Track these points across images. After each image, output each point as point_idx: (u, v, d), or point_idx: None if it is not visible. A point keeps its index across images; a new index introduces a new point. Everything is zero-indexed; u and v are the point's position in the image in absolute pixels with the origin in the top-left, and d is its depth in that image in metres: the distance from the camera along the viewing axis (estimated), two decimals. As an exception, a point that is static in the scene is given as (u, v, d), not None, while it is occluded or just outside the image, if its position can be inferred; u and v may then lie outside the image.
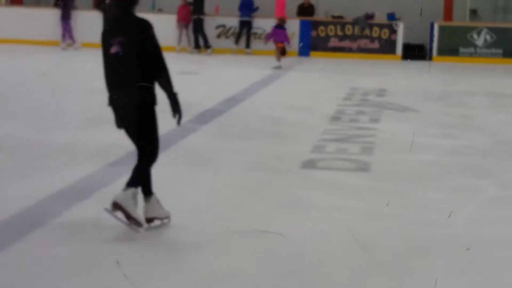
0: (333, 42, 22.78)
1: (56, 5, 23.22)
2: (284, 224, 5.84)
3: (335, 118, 11.05)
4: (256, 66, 19.02)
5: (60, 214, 5.89)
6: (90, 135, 9.18)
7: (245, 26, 22.62)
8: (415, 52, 22.62)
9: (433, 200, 6.67)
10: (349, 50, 22.69)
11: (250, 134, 9.76)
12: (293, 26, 22.77)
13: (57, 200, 6.27)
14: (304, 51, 22.75)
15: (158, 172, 7.41)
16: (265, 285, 4.71)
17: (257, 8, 22.44)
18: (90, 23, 22.98)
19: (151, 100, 5.47)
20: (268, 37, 19.69)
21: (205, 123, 10.23)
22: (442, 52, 22.24)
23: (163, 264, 4.95)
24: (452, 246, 5.43)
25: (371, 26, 22.53)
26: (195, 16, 21.73)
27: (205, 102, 12.02)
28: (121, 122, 5.62)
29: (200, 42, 22.30)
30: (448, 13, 23.15)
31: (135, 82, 5.36)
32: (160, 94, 5.58)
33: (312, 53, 22.70)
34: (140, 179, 5.63)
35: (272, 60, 18.64)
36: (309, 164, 8.01)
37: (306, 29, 22.80)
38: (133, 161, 7.66)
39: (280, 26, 19.33)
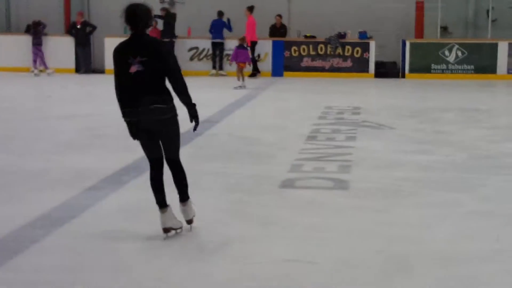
0: (306, 62, 22.87)
1: (27, 31, 23.16)
2: (266, 244, 5.82)
3: (311, 137, 11.04)
4: (229, 87, 19.01)
5: (39, 241, 5.82)
6: (65, 161, 9.12)
7: (218, 48, 22.66)
8: (387, 69, 22.83)
9: (412, 216, 6.69)
10: (322, 69, 22.78)
11: (227, 155, 9.71)
12: (266, 46, 22.88)
13: (35, 227, 6.19)
14: (277, 71, 22.82)
15: (135, 196, 7.41)
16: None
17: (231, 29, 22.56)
18: (61, 48, 22.97)
19: (176, 112, 5.99)
20: (231, 58, 19.82)
21: (182, 146, 10.15)
22: (414, 69, 22.40)
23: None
24: (433, 262, 5.42)
25: (343, 45, 22.66)
26: (166, 39, 21.68)
27: (181, 124, 11.94)
28: (161, 134, 6.00)
29: None
30: (419, 31, 23.32)
31: (163, 97, 5.86)
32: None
33: (286, 73, 22.78)
34: (187, 184, 6.20)
35: (246, 81, 18.70)
36: (288, 184, 7.99)
37: (278, 49, 22.89)
38: (108, 186, 7.67)
39: (242, 46, 19.50)
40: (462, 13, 24.25)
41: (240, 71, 19.17)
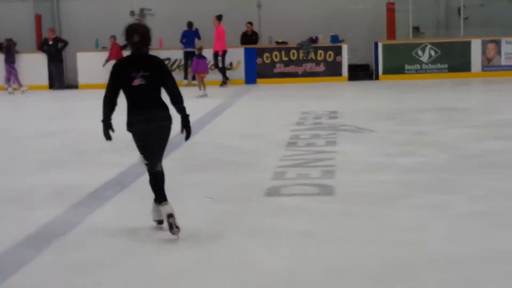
0: (279, 68, 22.93)
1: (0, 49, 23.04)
2: (255, 253, 5.81)
3: (291, 144, 11.03)
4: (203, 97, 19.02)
5: (31, 260, 5.75)
6: (48, 178, 9.05)
7: (190, 58, 22.63)
8: (361, 72, 22.95)
9: (401, 219, 6.67)
10: (295, 75, 22.84)
11: (209, 165, 9.70)
12: (238, 54, 22.91)
13: (25, 247, 6.13)
14: (250, 79, 22.84)
15: (121, 210, 7.36)
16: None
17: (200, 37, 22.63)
18: (34, 65, 22.85)
19: (172, 121, 6.52)
20: (192, 69, 19.84)
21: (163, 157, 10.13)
22: (388, 70, 22.54)
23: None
24: (430, 265, 5.41)
25: (315, 50, 22.73)
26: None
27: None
28: (151, 140, 6.47)
29: None
30: (391, 32, 23.43)
31: (161, 107, 6.45)
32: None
33: (259, 80, 22.82)
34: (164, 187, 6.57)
35: (217, 90, 18.69)
36: (272, 192, 7.96)
37: (251, 56, 22.94)
38: (93, 202, 7.62)
39: (200, 56, 19.55)
40: (434, 12, 24.43)
41: (201, 80, 19.25)
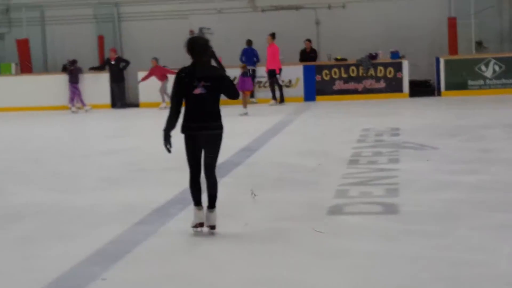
0: (338, 85, 22.85)
1: (63, 70, 23.46)
2: (319, 273, 5.72)
3: (353, 161, 10.93)
4: (263, 114, 19.06)
5: (98, 277, 5.80)
6: (111, 196, 9.15)
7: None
8: (422, 88, 22.70)
9: (468, 239, 6.53)
10: (355, 91, 22.71)
11: (270, 183, 9.65)
12: (297, 71, 22.90)
13: (92, 264, 6.18)
14: (309, 96, 22.80)
15: (184, 228, 7.38)
16: None
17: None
18: (97, 85, 23.22)
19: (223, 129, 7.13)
20: (239, 87, 19.80)
21: (223, 176, 10.12)
22: (450, 86, 22.23)
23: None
24: (497, 287, 5.27)
25: (375, 66, 22.58)
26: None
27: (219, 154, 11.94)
28: (206, 146, 6.98)
29: None
30: (453, 47, 23.14)
31: (217, 115, 7.01)
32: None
33: (318, 97, 22.76)
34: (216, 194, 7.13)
35: (276, 108, 18.67)
36: (335, 210, 7.88)
37: (310, 73, 22.91)
38: (156, 220, 7.66)
39: (245, 74, 19.59)
40: (497, 26, 24.06)
41: (245, 98, 19.30)
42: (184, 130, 6.96)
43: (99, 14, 25.50)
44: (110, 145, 14.34)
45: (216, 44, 23.52)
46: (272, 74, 21.81)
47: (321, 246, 6.51)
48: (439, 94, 22.45)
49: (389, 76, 22.61)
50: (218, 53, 22.66)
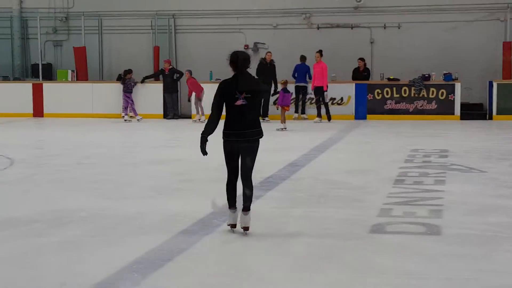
0: (390, 105, 22.83)
1: (118, 79, 23.83)
2: (359, 291, 5.77)
3: (399, 181, 10.93)
4: (313, 130, 19.12)
5: (138, 284, 5.91)
6: (157, 205, 9.28)
7: (301, 92, 22.82)
8: (474, 111, 22.54)
9: (509, 263, 6.50)
10: (406, 112, 22.65)
11: (315, 199, 9.71)
12: (349, 89, 22.93)
13: (133, 271, 6.29)
14: (360, 114, 22.80)
15: (226, 239, 7.48)
16: None
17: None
18: (150, 95, 23.53)
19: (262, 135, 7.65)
20: (279, 102, 19.86)
21: (269, 190, 10.25)
22: (502, 110, 22.07)
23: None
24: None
25: (428, 87, 22.51)
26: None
27: (266, 168, 12.06)
28: (245, 153, 7.46)
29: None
30: (506, 71, 22.95)
31: (257, 123, 7.53)
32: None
33: (369, 116, 22.75)
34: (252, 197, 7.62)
35: (326, 125, 18.68)
36: (378, 229, 7.89)
37: (361, 92, 22.92)
38: (200, 230, 7.77)
39: (286, 90, 19.65)
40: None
41: (284, 113, 19.36)
42: (225, 137, 7.44)
43: (155, 25, 25.85)
44: (159, 154, 14.54)
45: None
46: (319, 92, 21.79)
47: (361, 264, 6.53)
48: (490, 117, 22.28)
49: (441, 98, 22.52)
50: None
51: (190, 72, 22.76)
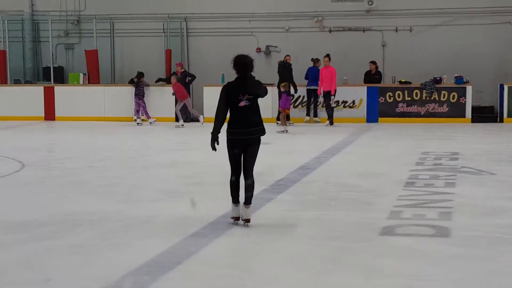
0: (401, 108, 22.81)
1: (130, 82, 23.89)
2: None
3: (409, 184, 10.94)
4: (324, 133, 19.12)
5: (148, 287, 5.94)
6: (167, 208, 9.32)
7: (313, 95, 22.81)
8: (485, 114, 22.50)
9: (518, 265, 6.52)
10: (418, 115, 22.64)
11: (325, 202, 9.73)
12: (360, 92, 22.93)
13: (143, 273, 6.32)
14: (372, 117, 22.79)
15: (237, 241, 7.52)
16: None
17: None
18: (162, 98, 23.58)
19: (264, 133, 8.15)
20: (282, 104, 19.91)
21: (280, 193, 10.28)
22: (513, 113, 22.02)
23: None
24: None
25: (439, 90, 22.49)
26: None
27: (278, 171, 12.12)
28: (248, 149, 7.97)
29: None
30: (518, 74, 22.95)
31: (260, 122, 8.00)
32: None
33: (380, 119, 22.74)
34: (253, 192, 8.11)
35: (343, 128, 18.69)
36: (388, 231, 7.92)
37: (373, 95, 22.91)
38: (211, 232, 7.80)
39: (288, 92, 19.72)
40: None
41: (284, 116, 19.39)
42: (229, 135, 7.93)
43: (168, 28, 25.91)
44: (171, 157, 14.59)
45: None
46: (328, 96, 21.69)
47: (371, 266, 6.56)
48: (501, 120, 22.25)
49: (452, 101, 22.49)
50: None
51: (176, 76, 22.60)
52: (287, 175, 11.81)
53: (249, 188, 8.06)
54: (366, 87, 23.11)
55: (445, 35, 24.11)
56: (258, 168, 11.88)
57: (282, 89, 20.16)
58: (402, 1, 24.55)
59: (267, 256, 6.93)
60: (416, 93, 22.73)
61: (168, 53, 25.47)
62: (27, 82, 26.29)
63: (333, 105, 21.82)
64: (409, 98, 22.78)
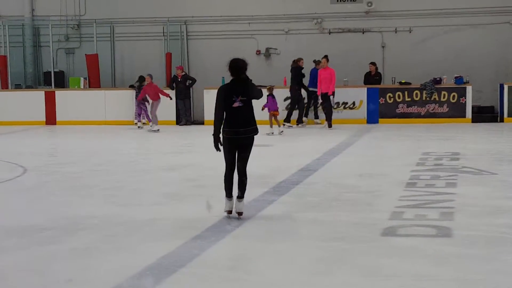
0: (402, 108, 22.84)
1: (131, 86, 23.92)
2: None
3: (410, 184, 10.96)
4: (325, 135, 19.15)
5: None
6: (170, 211, 9.33)
7: (313, 97, 22.82)
8: (485, 114, 22.53)
9: (520, 264, 6.54)
10: (418, 115, 22.67)
11: (327, 203, 9.75)
12: (361, 94, 22.96)
13: (145, 277, 6.34)
14: (372, 118, 22.82)
15: (239, 244, 7.54)
16: None
17: None
18: (162, 101, 23.59)
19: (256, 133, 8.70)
20: (270, 107, 19.93)
21: (281, 194, 10.30)
22: (514, 113, 22.05)
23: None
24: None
25: (439, 91, 22.52)
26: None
27: (279, 173, 12.14)
28: (242, 147, 8.54)
29: None
30: (518, 74, 22.98)
31: (253, 122, 8.54)
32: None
33: (381, 120, 22.77)
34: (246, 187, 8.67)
35: (344, 129, 18.69)
36: (389, 232, 7.93)
37: (373, 96, 22.94)
38: (213, 235, 7.83)
39: (272, 95, 19.76)
40: None
41: (271, 118, 19.54)
42: (224, 134, 8.48)
43: (168, 31, 25.94)
44: (172, 161, 14.62)
45: (283, 64, 23.94)
46: (326, 98, 21.60)
47: (372, 267, 6.57)
48: (501, 120, 22.28)
49: (452, 101, 22.53)
50: (284, 74, 23.06)
51: (151, 76, 22.38)
52: (289, 177, 11.83)
53: (242, 184, 8.61)
54: (366, 88, 23.15)
55: (445, 35, 24.16)
56: (260, 170, 12.05)
57: (267, 92, 20.14)
58: (401, 2, 24.59)
59: (269, 258, 6.95)
60: (416, 93, 22.76)
61: (168, 56, 25.51)
62: (28, 87, 26.34)
63: (333, 105, 21.75)
64: (409, 99, 22.81)
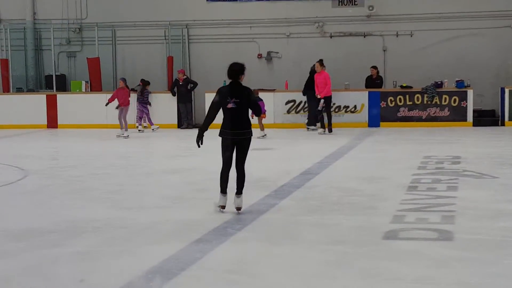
0: (403, 112, 22.87)
1: (133, 90, 23.95)
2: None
3: (412, 188, 10.98)
4: (326, 139, 19.16)
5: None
6: (171, 214, 9.34)
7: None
8: (486, 118, 22.55)
9: (521, 268, 6.55)
10: (419, 119, 22.69)
11: (328, 206, 9.76)
12: (362, 97, 22.99)
13: (148, 280, 6.35)
14: (373, 122, 22.84)
15: (241, 247, 7.55)
16: None
17: None
18: (165, 105, 23.65)
19: (252, 134, 9.28)
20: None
21: (283, 198, 10.31)
22: (515, 117, 22.08)
23: None
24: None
25: (440, 94, 22.55)
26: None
27: (280, 177, 12.16)
28: (239, 148, 9.09)
29: None
30: (518, 77, 23.01)
31: (247, 123, 9.09)
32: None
33: (382, 123, 22.80)
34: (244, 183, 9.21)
35: (345, 133, 18.70)
36: (391, 235, 7.94)
37: (375, 100, 22.97)
38: (215, 238, 7.84)
39: (259, 98, 19.74)
40: None
41: (261, 121, 19.65)
42: (221, 134, 9.12)
43: (169, 35, 25.96)
44: (174, 164, 14.64)
45: (285, 68, 23.98)
46: (325, 101, 21.40)
47: (373, 270, 6.57)
48: (502, 124, 22.30)
49: (453, 105, 22.56)
50: (285, 77, 23.04)
51: (124, 80, 22.14)
52: (290, 181, 11.85)
53: (241, 180, 9.16)
54: (367, 92, 23.18)
55: (446, 39, 24.17)
56: (261, 173, 12.07)
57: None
58: (403, 6, 24.62)
59: (270, 262, 6.95)
60: (418, 97, 22.80)
61: (170, 60, 25.54)
62: (30, 91, 26.37)
63: (320, 108, 21.13)
64: (411, 103, 22.84)
